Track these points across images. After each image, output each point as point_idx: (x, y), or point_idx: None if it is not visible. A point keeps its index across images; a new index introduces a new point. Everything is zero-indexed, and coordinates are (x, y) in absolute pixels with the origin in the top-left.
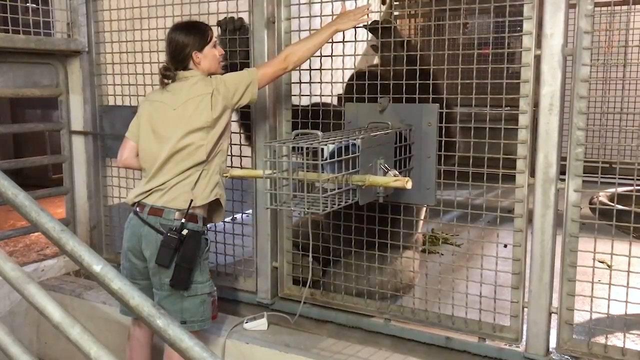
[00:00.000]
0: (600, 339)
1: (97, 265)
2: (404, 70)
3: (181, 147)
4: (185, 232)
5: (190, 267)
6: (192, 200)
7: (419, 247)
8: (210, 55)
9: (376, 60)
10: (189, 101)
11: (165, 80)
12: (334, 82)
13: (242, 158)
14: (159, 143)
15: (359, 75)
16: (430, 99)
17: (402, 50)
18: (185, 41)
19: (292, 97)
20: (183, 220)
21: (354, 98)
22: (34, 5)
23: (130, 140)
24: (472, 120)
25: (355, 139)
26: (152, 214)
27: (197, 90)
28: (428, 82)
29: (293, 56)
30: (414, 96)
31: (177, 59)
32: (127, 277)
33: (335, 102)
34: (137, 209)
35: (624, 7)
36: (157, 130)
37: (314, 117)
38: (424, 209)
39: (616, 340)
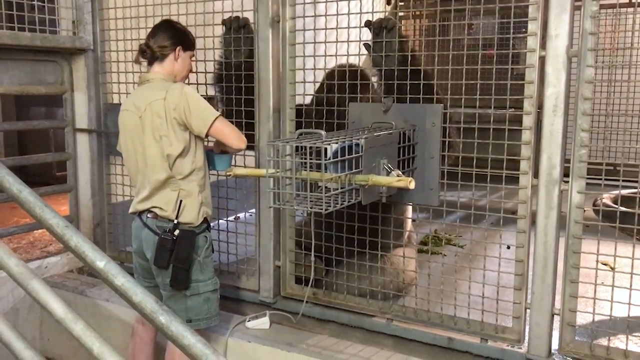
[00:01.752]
0: (603, 341)
1: (100, 261)
2: (395, 71)
3: (149, 156)
4: (177, 232)
5: (186, 267)
6: (181, 201)
7: (413, 245)
8: (187, 62)
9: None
10: (148, 107)
11: (141, 58)
12: (338, 82)
13: (246, 157)
14: (134, 153)
15: (334, 74)
16: (425, 99)
17: (400, 51)
18: (176, 34)
19: (296, 97)
20: (176, 221)
21: (325, 98)
22: (40, 2)
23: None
24: (476, 121)
25: (358, 139)
26: (151, 216)
27: (154, 94)
28: (424, 82)
29: (245, 142)
30: (406, 96)
31: (162, 44)
32: (139, 276)
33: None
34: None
35: (630, 9)
36: (132, 140)
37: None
38: (410, 207)
39: (619, 342)
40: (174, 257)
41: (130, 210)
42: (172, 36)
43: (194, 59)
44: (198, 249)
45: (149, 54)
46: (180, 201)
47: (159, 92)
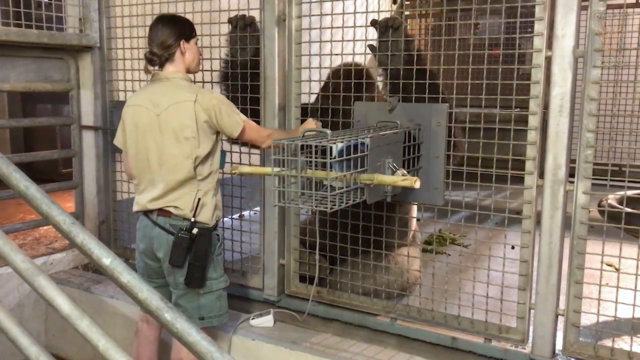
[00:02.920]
0: (607, 342)
1: (106, 258)
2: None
3: (168, 156)
4: (195, 231)
5: (203, 265)
6: (199, 200)
7: (417, 244)
8: (195, 49)
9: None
10: (172, 107)
11: (150, 67)
12: (344, 81)
13: (251, 155)
14: (145, 150)
15: (339, 73)
16: (431, 98)
17: (406, 50)
18: (174, 29)
19: (302, 95)
20: (192, 219)
21: (329, 97)
22: (47, 0)
23: (124, 152)
24: (482, 121)
25: (364, 138)
26: (162, 215)
27: (181, 95)
28: (429, 82)
29: (271, 140)
30: (412, 95)
31: (164, 46)
32: (143, 276)
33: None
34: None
35: (637, 9)
36: (144, 137)
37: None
38: (414, 206)
39: (623, 343)
40: (192, 255)
41: (136, 208)
42: (170, 33)
43: (199, 42)
44: (212, 247)
45: (157, 60)
46: (199, 199)
47: (186, 94)
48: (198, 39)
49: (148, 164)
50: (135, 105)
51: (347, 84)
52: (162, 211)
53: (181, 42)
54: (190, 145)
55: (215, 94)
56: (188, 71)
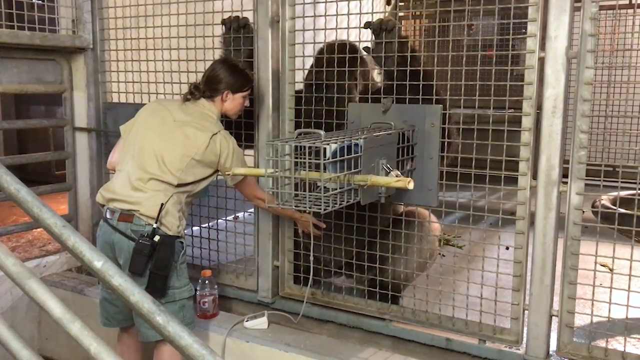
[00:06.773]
0: (601, 343)
1: (98, 261)
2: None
3: (167, 157)
4: (157, 238)
5: (165, 274)
6: (162, 205)
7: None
8: (238, 102)
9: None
10: (192, 123)
11: (189, 97)
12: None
13: (245, 156)
14: (143, 141)
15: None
16: (424, 99)
17: (400, 52)
18: (226, 78)
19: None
20: (155, 226)
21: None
22: (40, 1)
23: (121, 140)
24: (475, 122)
25: (357, 139)
26: (123, 220)
27: (205, 123)
28: (423, 83)
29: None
30: (405, 96)
31: (210, 87)
32: (104, 286)
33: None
34: (108, 215)
35: (629, 10)
36: (149, 129)
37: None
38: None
39: (617, 344)
40: (153, 263)
41: (99, 199)
42: (222, 80)
43: (247, 98)
44: (175, 255)
45: (198, 94)
46: (162, 205)
47: (210, 125)
48: (247, 95)
49: (140, 153)
50: (161, 104)
51: (340, 59)
52: (123, 216)
53: (227, 92)
54: (191, 163)
55: (234, 142)
56: (223, 114)
